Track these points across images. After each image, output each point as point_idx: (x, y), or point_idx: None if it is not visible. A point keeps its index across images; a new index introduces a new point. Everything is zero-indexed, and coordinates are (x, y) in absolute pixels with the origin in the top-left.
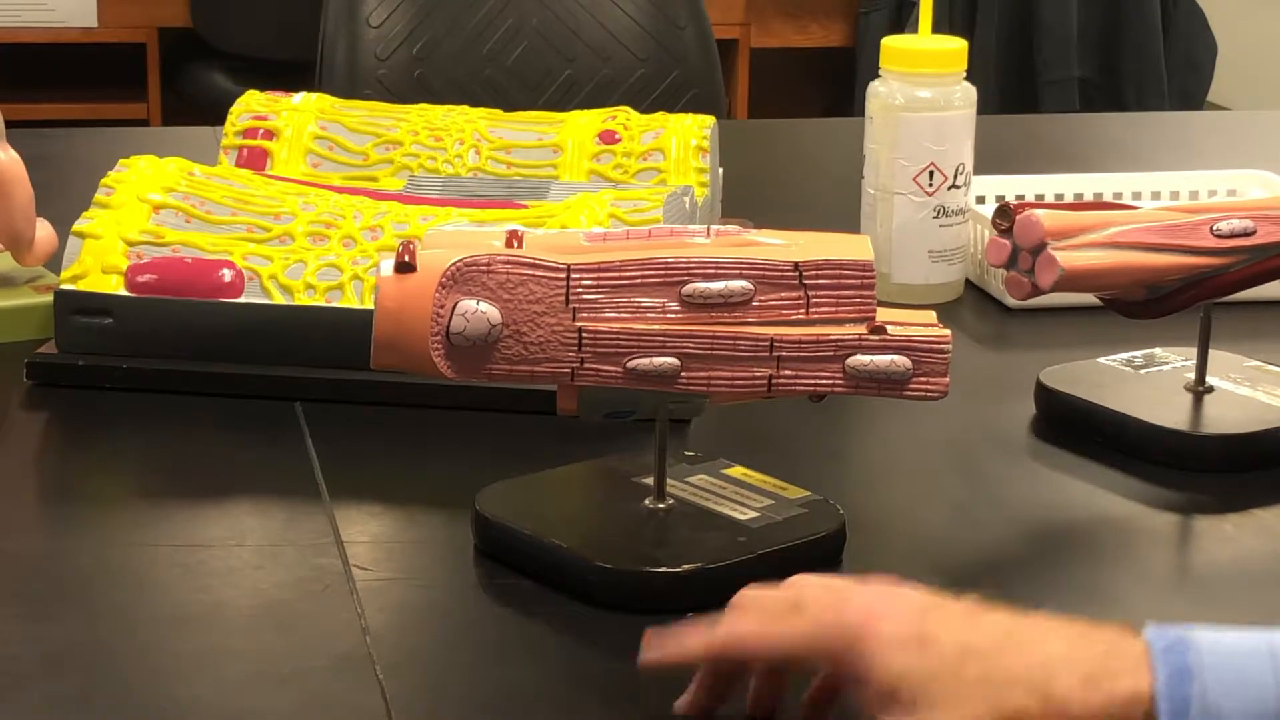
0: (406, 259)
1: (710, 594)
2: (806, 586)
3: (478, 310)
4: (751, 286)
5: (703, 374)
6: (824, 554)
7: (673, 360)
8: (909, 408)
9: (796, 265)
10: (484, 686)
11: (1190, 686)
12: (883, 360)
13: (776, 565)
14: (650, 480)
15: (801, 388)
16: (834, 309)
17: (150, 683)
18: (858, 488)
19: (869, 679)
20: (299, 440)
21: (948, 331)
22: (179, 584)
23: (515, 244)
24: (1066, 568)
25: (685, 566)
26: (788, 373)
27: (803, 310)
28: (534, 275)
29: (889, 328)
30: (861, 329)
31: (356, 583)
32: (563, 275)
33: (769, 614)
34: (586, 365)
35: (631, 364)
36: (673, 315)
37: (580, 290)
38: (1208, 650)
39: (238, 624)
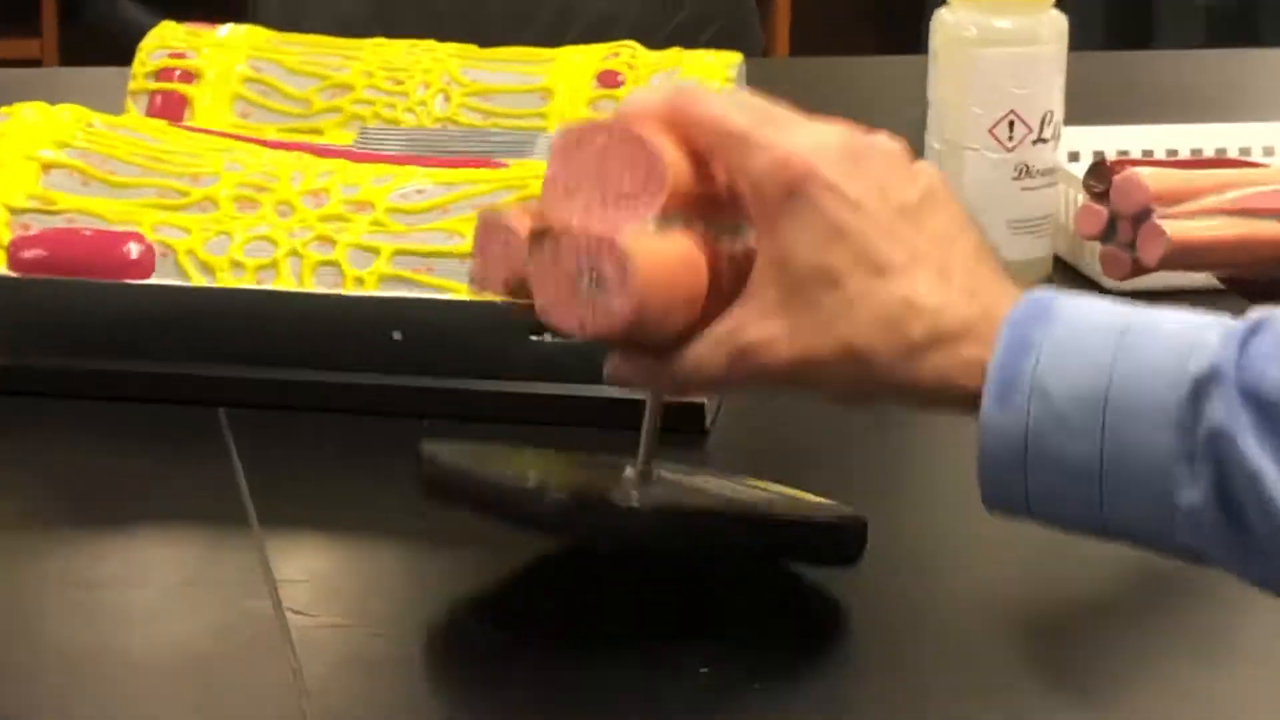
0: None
1: (681, 539)
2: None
3: None
4: None
5: None
6: (832, 544)
7: None
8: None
9: None
10: None
11: (1025, 361)
12: None
13: (765, 531)
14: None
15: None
16: None
17: None
18: (915, 517)
19: (772, 231)
20: (222, 454)
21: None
22: (72, 629)
23: None
24: (1173, 613)
25: (654, 506)
26: None
27: None
28: None
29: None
30: None
31: (291, 630)
32: None
33: (752, 109)
34: None
35: None
36: None
37: None
38: (1060, 322)
39: (144, 680)
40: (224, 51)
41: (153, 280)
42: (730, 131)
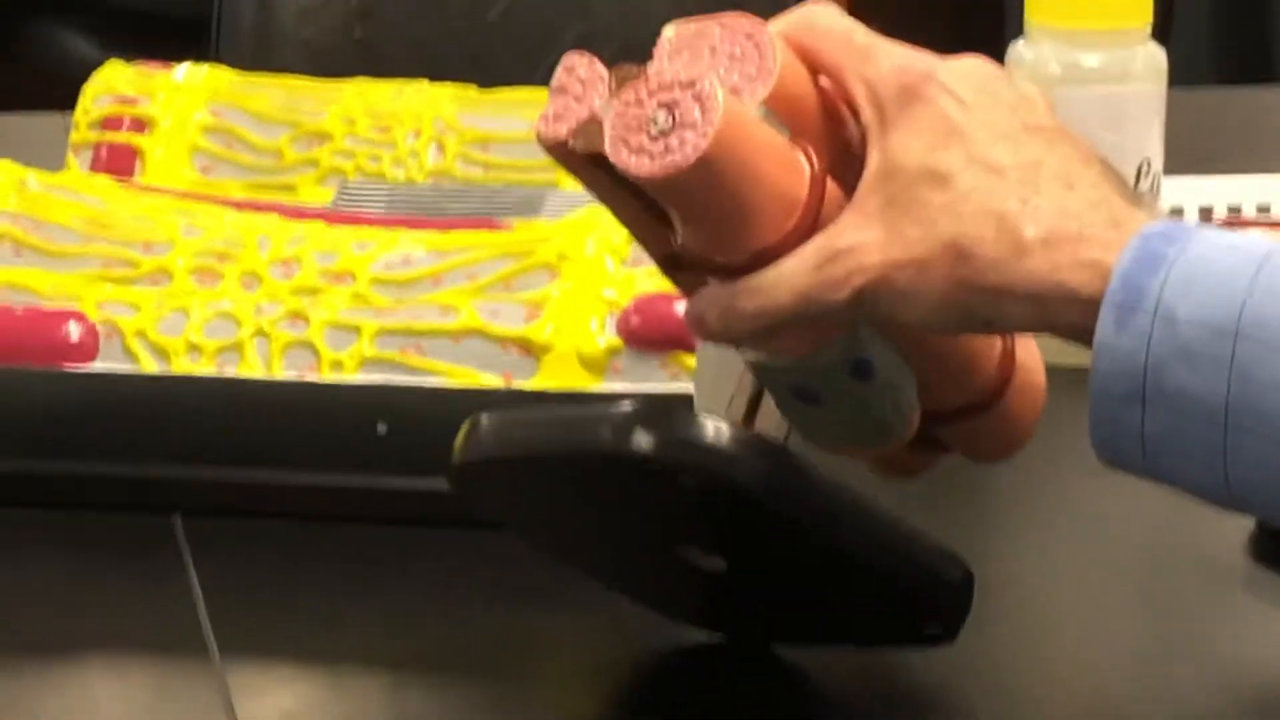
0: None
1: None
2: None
3: None
4: None
5: None
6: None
7: None
8: (1076, 518)
9: None
10: None
11: (1152, 278)
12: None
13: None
14: None
15: None
16: None
17: None
18: (1001, 622)
19: (884, 138)
20: (177, 569)
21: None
22: None
23: None
24: None
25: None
26: None
27: None
28: None
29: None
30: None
31: None
32: None
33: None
34: None
35: None
36: None
37: None
38: (1197, 240)
39: None
40: (181, 96)
41: (96, 366)
42: (855, 41)
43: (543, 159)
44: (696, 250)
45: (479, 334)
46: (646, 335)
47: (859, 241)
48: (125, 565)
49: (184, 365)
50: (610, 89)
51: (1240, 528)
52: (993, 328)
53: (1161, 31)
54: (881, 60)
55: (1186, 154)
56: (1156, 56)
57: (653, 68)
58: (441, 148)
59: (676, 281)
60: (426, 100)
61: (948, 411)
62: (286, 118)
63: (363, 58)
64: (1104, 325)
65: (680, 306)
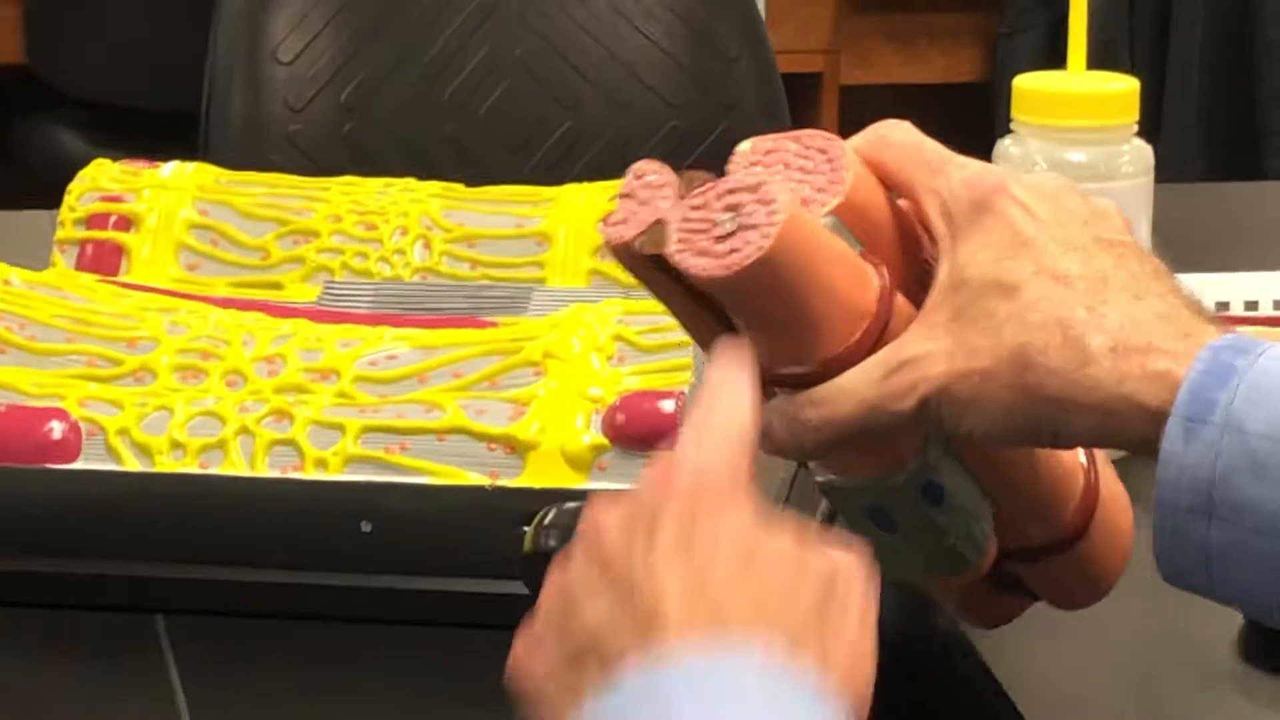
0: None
1: None
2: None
3: None
4: None
5: None
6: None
7: None
8: (1068, 616)
9: None
10: None
11: (1222, 390)
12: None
13: None
14: None
15: None
16: None
17: None
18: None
19: (955, 249)
20: (159, 670)
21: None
22: None
23: None
24: None
25: None
26: None
27: None
28: None
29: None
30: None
31: None
32: None
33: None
34: None
35: None
36: None
37: None
38: (1266, 356)
39: None
40: (167, 193)
41: (79, 465)
42: (926, 154)
43: (529, 256)
44: (762, 360)
45: (464, 432)
46: (632, 433)
47: (925, 351)
48: (107, 665)
49: (167, 464)
50: (678, 194)
51: (1230, 627)
52: (1059, 439)
53: (1151, 128)
54: (953, 173)
55: (1174, 250)
56: (1143, 153)
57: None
58: (428, 245)
59: None
60: (413, 197)
61: (1028, 549)
62: (273, 215)
63: (351, 153)
64: (1172, 436)
65: (666, 404)
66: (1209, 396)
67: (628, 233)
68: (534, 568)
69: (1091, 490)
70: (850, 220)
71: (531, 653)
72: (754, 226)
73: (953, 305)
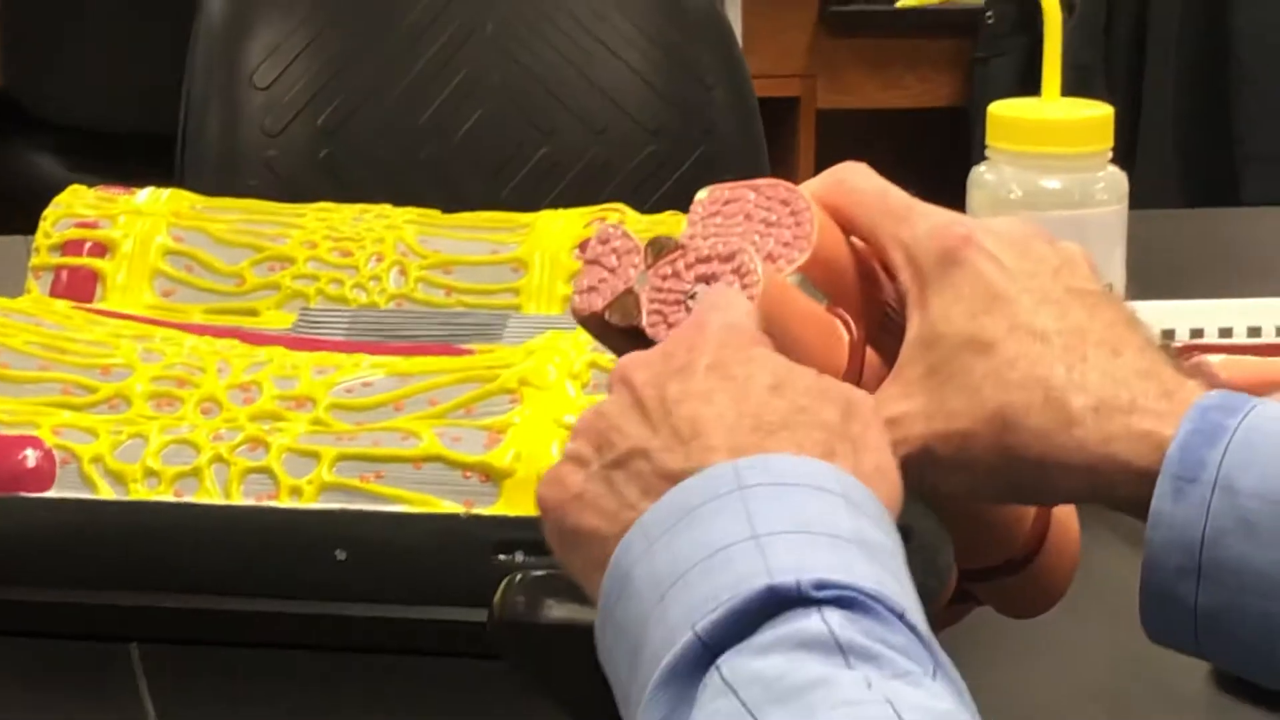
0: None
1: None
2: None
3: None
4: None
5: None
6: None
7: None
8: (1043, 646)
9: None
10: None
11: (1211, 449)
12: None
13: None
14: None
15: None
16: None
17: None
18: None
19: (925, 302)
20: (132, 700)
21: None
22: None
23: None
24: None
25: None
26: None
27: None
28: None
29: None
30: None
31: None
32: None
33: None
34: None
35: None
36: None
37: None
38: (1255, 415)
39: None
40: (142, 219)
41: (53, 493)
42: (890, 203)
43: (505, 283)
44: None
45: (440, 460)
46: None
47: (902, 411)
48: (80, 694)
49: (141, 492)
50: (646, 261)
51: None
52: (1041, 498)
53: (1126, 154)
54: (918, 222)
55: (1150, 277)
56: (1118, 180)
57: (686, 233)
58: (403, 271)
59: None
60: (388, 223)
61: (984, 569)
62: (248, 241)
63: (328, 178)
64: (1161, 496)
65: None
66: (1198, 456)
67: (597, 302)
68: (502, 633)
69: (1044, 511)
70: (815, 274)
71: (564, 474)
72: None
73: (927, 362)
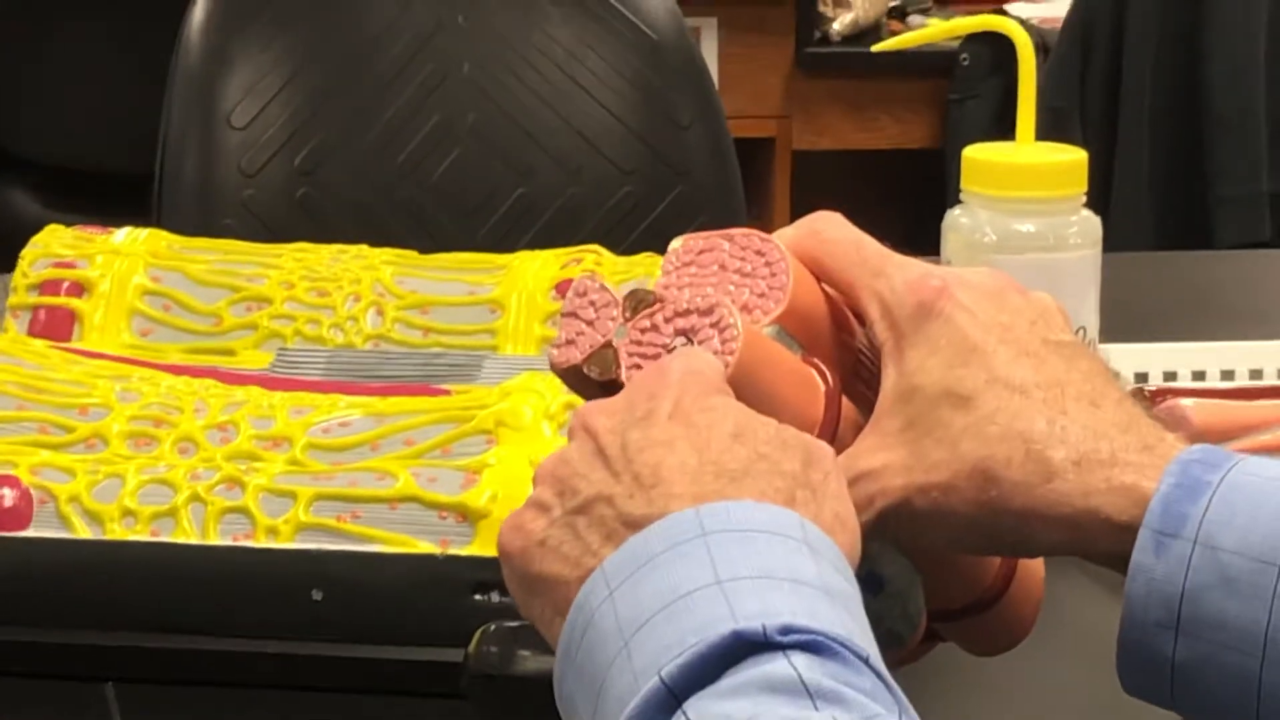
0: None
1: None
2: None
3: None
4: None
5: None
6: None
7: None
8: (1008, 687)
9: None
10: None
11: (1193, 505)
12: None
13: None
14: None
15: None
16: None
17: None
18: None
19: (901, 355)
20: None
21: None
22: None
23: None
24: None
25: None
26: None
27: None
28: None
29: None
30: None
31: None
32: None
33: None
34: None
35: None
36: None
37: None
38: (1240, 471)
39: None
40: (120, 259)
41: (30, 533)
42: (865, 254)
43: (482, 323)
44: None
45: (416, 500)
46: None
47: (881, 464)
48: None
49: (118, 531)
50: (624, 314)
51: None
52: (1021, 551)
53: (1101, 198)
54: (894, 275)
55: (1123, 320)
56: (1091, 224)
57: (661, 282)
58: (380, 312)
59: None
60: (365, 264)
61: (950, 610)
62: (225, 282)
63: (304, 218)
64: (1142, 550)
65: None
66: (1180, 511)
67: (575, 355)
68: (476, 685)
69: None
70: (790, 324)
71: (526, 520)
72: (710, 353)
73: (904, 415)
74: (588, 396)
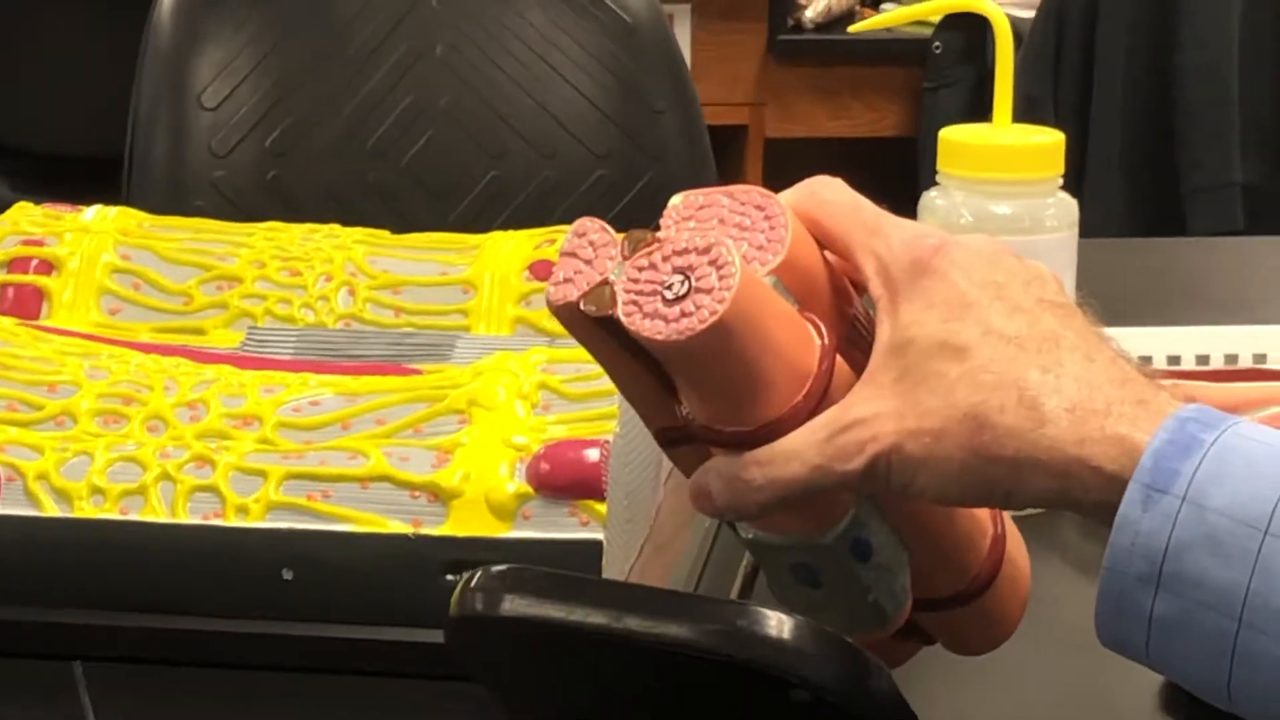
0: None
1: None
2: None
3: None
4: None
5: None
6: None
7: None
8: (988, 668)
9: None
10: None
11: (1185, 462)
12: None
13: None
14: None
15: None
16: None
17: None
18: None
19: (896, 311)
20: (77, 718)
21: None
22: None
23: None
24: None
25: None
26: None
27: None
28: None
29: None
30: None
31: None
32: None
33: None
34: None
35: None
36: None
37: None
38: (1232, 434)
39: None
40: (89, 237)
41: None
42: (863, 215)
43: (454, 303)
44: (703, 420)
45: (387, 480)
46: (556, 482)
47: (873, 412)
48: (25, 713)
49: (87, 509)
50: (623, 253)
51: (1151, 680)
52: (1011, 500)
53: (1075, 185)
54: (891, 234)
55: (1098, 304)
56: (1068, 206)
57: (660, 236)
58: (352, 291)
59: (674, 458)
60: (337, 244)
61: (936, 599)
62: (196, 260)
63: (276, 199)
64: (1130, 502)
65: (591, 453)
66: (1171, 467)
67: (572, 293)
68: (459, 632)
69: (999, 542)
70: (788, 278)
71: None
72: (707, 290)
73: (898, 366)
74: (580, 336)
